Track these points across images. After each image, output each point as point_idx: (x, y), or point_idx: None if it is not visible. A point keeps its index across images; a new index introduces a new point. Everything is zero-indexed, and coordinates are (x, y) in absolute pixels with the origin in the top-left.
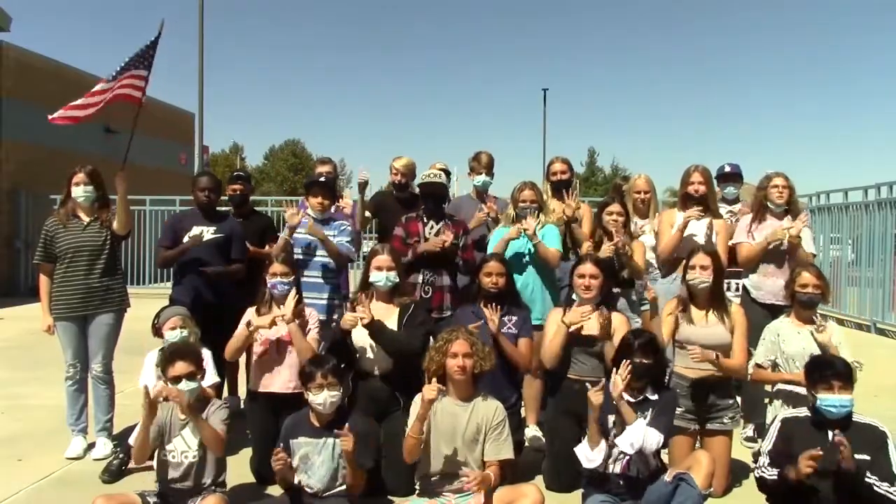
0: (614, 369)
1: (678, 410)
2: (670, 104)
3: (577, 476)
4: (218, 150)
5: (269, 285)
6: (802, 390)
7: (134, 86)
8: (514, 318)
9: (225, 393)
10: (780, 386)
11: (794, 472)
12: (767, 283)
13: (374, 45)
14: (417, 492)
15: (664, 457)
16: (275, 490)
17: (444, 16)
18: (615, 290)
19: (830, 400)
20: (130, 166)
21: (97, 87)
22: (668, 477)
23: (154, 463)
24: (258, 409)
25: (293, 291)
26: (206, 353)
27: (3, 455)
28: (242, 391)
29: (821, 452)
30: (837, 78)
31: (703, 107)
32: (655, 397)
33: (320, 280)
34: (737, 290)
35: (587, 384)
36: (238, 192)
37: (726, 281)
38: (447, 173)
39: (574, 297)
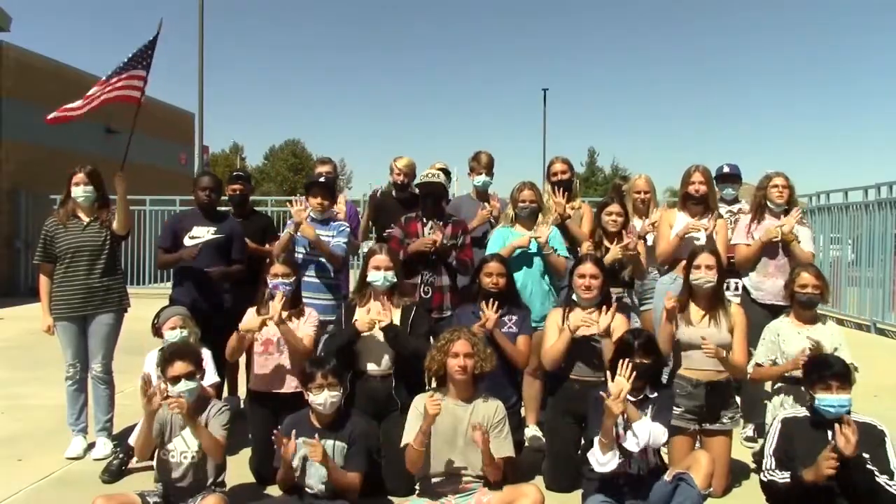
0: (619, 369)
1: (678, 410)
2: (670, 104)
3: (577, 476)
4: (218, 150)
5: (270, 286)
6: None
7: (133, 86)
8: (514, 318)
9: (225, 393)
10: (781, 383)
11: (812, 474)
12: (768, 284)
13: (374, 45)
14: (417, 492)
15: (664, 456)
16: (275, 490)
17: (444, 16)
18: (617, 290)
19: (829, 400)
20: (130, 166)
21: (94, 90)
22: (667, 477)
23: (154, 463)
24: (258, 409)
25: (279, 294)
26: (206, 353)
27: (3, 455)
28: (242, 391)
29: (836, 453)
30: (837, 78)
31: (703, 107)
32: (654, 395)
33: (319, 281)
34: (736, 289)
35: (597, 386)
36: (238, 192)
37: (726, 281)
38: (447, 173)
39: (574, 297)
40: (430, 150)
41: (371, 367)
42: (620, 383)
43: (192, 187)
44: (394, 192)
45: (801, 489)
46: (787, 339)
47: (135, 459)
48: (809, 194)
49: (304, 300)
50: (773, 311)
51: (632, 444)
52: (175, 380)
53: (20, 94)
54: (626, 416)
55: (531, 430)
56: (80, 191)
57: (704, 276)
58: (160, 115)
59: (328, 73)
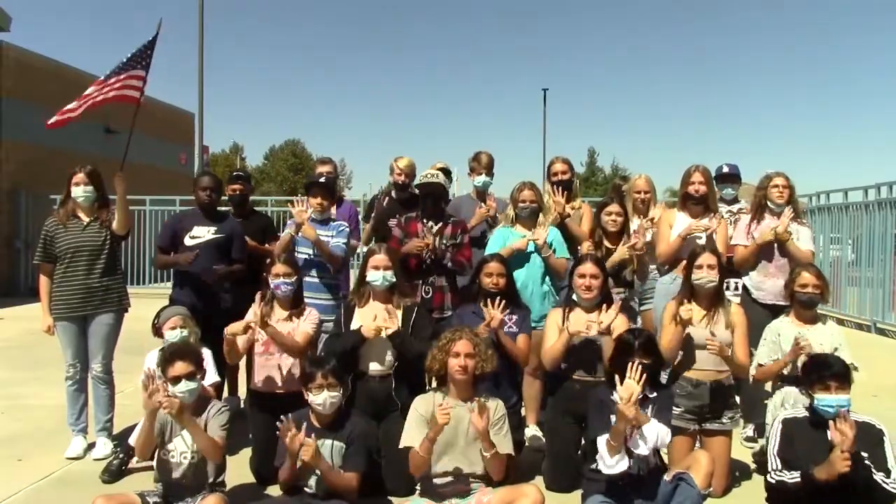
0: (628, 371)
1: (678, 410)
2: (670, 104)
3: (577, 476)
4: (218, 150)
5: (271, 286)
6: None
7: (132, 86)
8: (515, 318)
9: (225, 393)
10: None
11: (824, 473)
12: (768, 284)
13: (374, 45)
14: (419, 492)
15: (664, 456)
16: (275, 490)
17: (444, 16)
18: (619, 291)
19: (827, 400)
20: (130, 166)
21: (91, 89)
22: (667, 477)
23: (154, 463)
24: (259, 409)
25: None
26: (207, 353)
27: (3, 455)
28: (242, 391)
29: (852, 448)
30: (837, 78)
31: (703, 107)
32: (654, 395)
33: (319, 281)
34: (736, 289)
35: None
36: (238, 192)
37: (726, 281)
38: (448, 173)
39: (574, 297)
40: (430, 150)
41: (372, 368)
42: (630, 386)
43: (192, 187)
44: (393, 193)
45: (811, 488)
46: (788, 339)
47: (135, 459)
48: (809, 194)
49: (305, 300)
50: (774, 311)
51: (642, 448)
52: (175, 380)
53: (20, 94)
54: (636, 421)
55: (531, 430)
56: (80, 191)
57: (707, 275)
58: (160, 115)
59: (328, 73)
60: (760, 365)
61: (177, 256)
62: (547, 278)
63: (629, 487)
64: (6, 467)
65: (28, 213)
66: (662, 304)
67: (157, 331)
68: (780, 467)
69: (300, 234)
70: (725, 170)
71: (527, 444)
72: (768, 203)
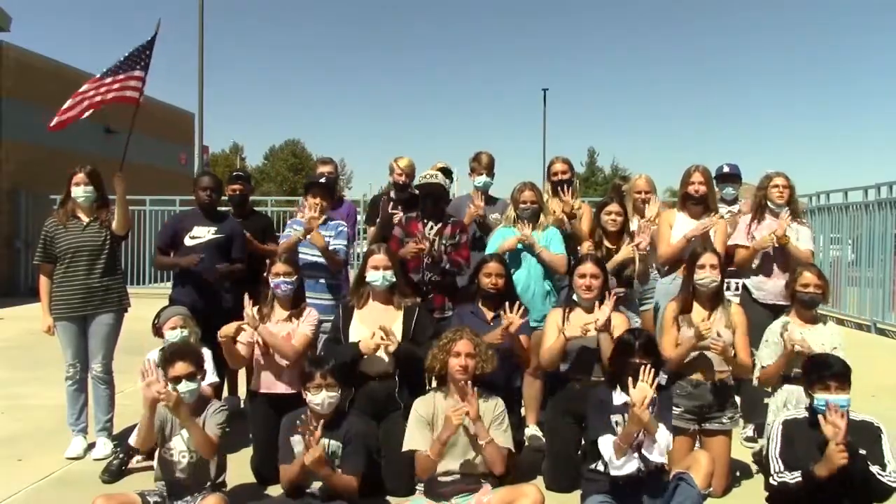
0: (641, 374)
1: (678, 411)
2: (670, 104)
3: (577, 476)
4: (218, 150)
5: (271, 285)
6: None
7: (132, 87)
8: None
9: (225, 392)
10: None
11: (824, 469)
12: (769, 284)
13: (374, 45)
14: (423, 491)
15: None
16: (275, 490)
17: (444, 16)
18: (620, 290)
19: (829, 400)
20: (130, 166)
21: (85, 87)
22: (667, 477)
23: (154, 462)
24: (259, 409)
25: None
26: (207, 353)
27: (3, 455)
28: (242, 391)
29: (845, 440)
30: (837, 78)
31: (703, 107)
32: (654, 396)
33: (319, 281)
34: (736, 289)
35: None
36: (238, 192)
37: (726, 281)
38: (448, 172)
39: (574, 297)
40: (430, 150)
41: (372, 368)
42: (644, 389)
43: (192, 187)
44: (393, 193)
45: (811, 486)
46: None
47: (135, 459)
48: (809, 194)
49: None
50: (775, 311)
51: (655, 455)
52: (175, 380)
53: (20, 94)
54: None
55: (531, 430)
56: (81, 191)
57: (709, 275)
58: (160, 115)
59: (328, 73)
60: (763, 367)
61: (180, 259)
62: (549, 278)
63: (629, 488)
64: (6, 467)
65: (28, 213)
66: (662, 303)
67: (158, 331)
68: (782, 469)
69: (308, 238)
70: (726, 169)
71: (527, 444)
72: (768, 203)
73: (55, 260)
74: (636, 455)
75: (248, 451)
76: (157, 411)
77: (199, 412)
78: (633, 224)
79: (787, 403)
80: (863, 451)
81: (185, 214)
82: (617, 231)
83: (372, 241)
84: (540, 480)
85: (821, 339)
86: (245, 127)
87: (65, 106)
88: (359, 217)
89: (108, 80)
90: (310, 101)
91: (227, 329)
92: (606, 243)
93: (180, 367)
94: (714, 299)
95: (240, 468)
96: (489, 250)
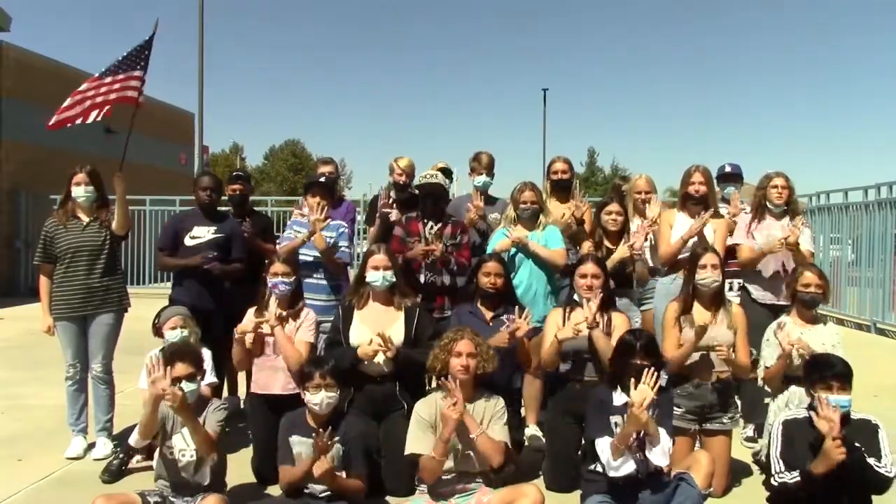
0: (643, 377)
1: (679, 411)
2: (670, 104)
3: (577, 476)
4: (218, 150)
5: (269, 285)
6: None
7: (132, 87)
8: (514, 317)
9: (225, 392)
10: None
11: (822, 466)
12: (768, 284)
13: (374, 45)
14: (425, 490)
15: None
16: (275, 490)
17: (444, 16)
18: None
19: (829, 400)
20: (130, 166)
21: (84, 86)
22: (667, 477)
23: (154, 462)
24: (259, 409)
25: (273, 298)
26: (206, 354)
27: (3, 455)
28: (242, 391)
29: (840, 434)
30: (837, 78)
31: (703, 107)
32: (655, 397)
33: (321, 281)
34: (738, 289)
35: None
36: (238, 192)
37: (729, 281)
38: (448, 172)
39: (575, 296)
40: (430, 150)
41: (371, 369)
42: (644, 391)
43: (192, 187)
44: (393, 193)
45: (811, 484)
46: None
47: (135, 459)
48: (809, 194)
49: (305, 300)
50: (774, 311)
51: (658, 458)
52: (175, 381)
53: (20, 94)
54: (645, 426)
55: (531, 430)
56: (81, 191)
57: (711, 275)
58: (160, 115)
59: (328, 73)
60: (767, 367)
61: (186, 260)
62: (550, 279)
63: (629, 488)
64: (6, 467)
65: (28, 213)
66: (663, 304)
67: (158, 331)
68: (783, 469)
69: (312, 241)
70: (728, 169)
71: (527, 444)
72: (767, 204)
73: (55, 260)
74: (633, 457)
75: (248, 451)
76: (160, 408)
77: (200, 412)
78: (634, 224)
79: (789, 403)
80: (858, 445)
81: (186, 214)
82: (617, 231)
83: (372, 241)
84: (540, 480)
85: (821, 339)
86: (245, 127)
87: (64, 105)
88: (358, 217)
89: (108, 79)
90: (310, 101)
91: (246, 326)
92: (606, 243)
93: (181, 369)
94: (715, 300)
95: (240, 468)
96: (488, 250)
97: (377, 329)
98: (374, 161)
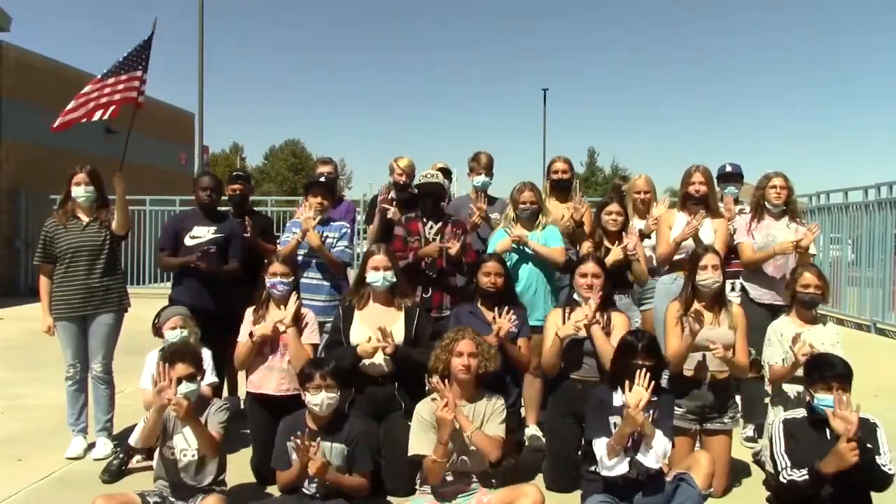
0: (637, 378)
1: (679, 411)
2: (670, 104)
3: (577, 476)
4: (218, 150)
5: (268, 285)
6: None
7: (133, 87)
8: (514, 317)
9: (225, 392)
10: (787, 387)
11: (833, 465)
12: (767, 284)
13: (374, 45)
14: (428, 491)
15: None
16: (275, 490)
17: (444, 16)
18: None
19: (828, 400)
20: (130, 166)
21: (87, 88)
22: (668, 477)
23: (154, 462)
24: (258, 409)
25: (294, 296)
26: (206, 354)
27: (3, 455)
28: (242, 391)
29: (856, 435)
30: (837, 78)
31: (703, 107)
32: (655, 399)
33: (320, 282)
34: (739, 289)
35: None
36: (238, 192)
37: (731, 282)
38: (448, 172)
39: (575, 296)
40: (430, 150)
41: (371, 369)
42: (639, 393)
43: (192, 187)
44: (393, 193)
45: (818, 483)
46: (789, 339)
47: (135, 459)
48: (809, 194)
49: (304, 301)
50: (773, 311)
51: (650, 461)
52: (176, 381)
53: (20, 94)
54: (641, 427)
55: (531, 430)
56: (81, 191)
57: (712, 276)
58: (160, 115)
59: (328, 73)
60: (771, 365)
61: (186, 259)
62: (551, 278)
63: (629, 489)
64: (6, 467)
65: (28, 213)
66: (663, 304)
67: (158, 331)
68: (790, 465)
69: (305, 239)
70: (728, 169)
71: (527, 444)
72: (766, 204)
73: (55, 260)
74: (628, 457)
75: (248, 451)
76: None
77: (200, 412)
78: (634, 224)
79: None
80: (870, 445)
81: (186, 214)
82: (617, 231)
83: (371, 237)
84: (540, 480)
85: (821, 339)
86: (245, 127)
87: (68, 107)
88: (358, 217)
89: (111, 80)
90: (310, 101)
91: (265, 329)
92: (606, 243)
93: (181, 369)
94: (716, 300)
95: (240, 468)
96: (488, 250)
97: (376, 330)
98: (374, 161)
